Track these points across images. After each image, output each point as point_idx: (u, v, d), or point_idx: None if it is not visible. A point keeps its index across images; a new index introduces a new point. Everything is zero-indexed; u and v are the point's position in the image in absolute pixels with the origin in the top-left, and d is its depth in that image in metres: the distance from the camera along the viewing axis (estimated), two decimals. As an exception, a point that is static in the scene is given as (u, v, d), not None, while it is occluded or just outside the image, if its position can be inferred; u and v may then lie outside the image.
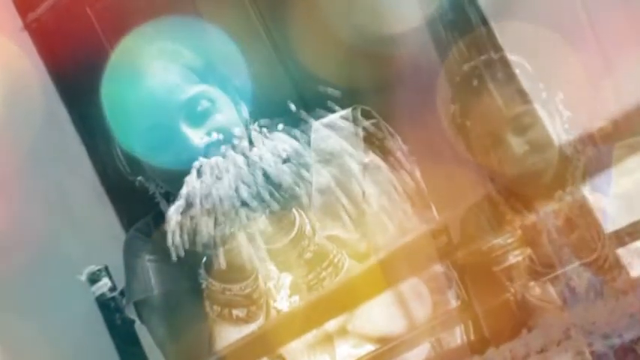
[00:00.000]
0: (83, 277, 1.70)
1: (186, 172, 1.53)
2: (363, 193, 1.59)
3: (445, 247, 1.40)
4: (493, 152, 1.79)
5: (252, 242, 1.50)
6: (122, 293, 1.71)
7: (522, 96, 1.77)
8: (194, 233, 1.46)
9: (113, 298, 1.72)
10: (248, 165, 1.49)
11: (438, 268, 1.56)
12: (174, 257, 1.44)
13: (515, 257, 1.63)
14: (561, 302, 1.60)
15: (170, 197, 1.59)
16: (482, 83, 1.78)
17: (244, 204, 1.46)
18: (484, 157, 1.81)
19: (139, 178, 1.64)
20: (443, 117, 1.84)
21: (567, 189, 1.74)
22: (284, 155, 1.51)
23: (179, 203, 1.48)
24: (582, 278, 1.58)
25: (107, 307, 1.72)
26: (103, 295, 1.71)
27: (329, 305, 1.46)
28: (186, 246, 1.45)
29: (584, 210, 1.64)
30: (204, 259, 1.54)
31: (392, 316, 1.54)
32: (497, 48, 1.80)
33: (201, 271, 1.55)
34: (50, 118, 2.21)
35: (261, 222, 1.50)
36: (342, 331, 1.56)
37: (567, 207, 1.63)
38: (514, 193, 1.82)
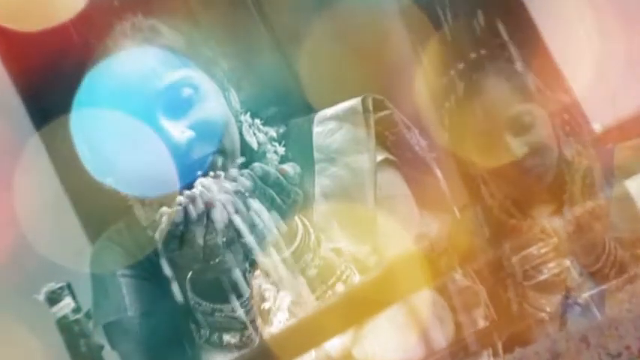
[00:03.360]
0: (41, 297, 1.59)
1: (164, 172, 1.46)
2: (375, 197, 1.51)
3: (428, 254, 1.33)
4: (489, 153, 1.75)
5: (247, 255, 1.44)
6: (88, 315, 1.59)
7: (522, 94, 1.75)
8: (182, 242, 1.41)
9: (77, 320, 1.56)
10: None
11: (464, 282, 1.48)
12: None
13: (550, 270, 1.59)
14: (561, 313, 1.58)
15: (145, 200, 1.53)
16: (479, 80, 1.76)
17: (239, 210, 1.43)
18: (479, 159, 1.77)
19: (109, 179, 1.54)
20: (432, 117, 1.80)
21: (568, 194, 1.73)
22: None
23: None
24: (584, 287, 1.57)
25: (70, 331, 1.57)
26: (64, 317, 1.56)
27: (330, 321, 1.36)
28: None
29: (590, 216, 1.65)
30: (190, 274, 1.47)
31: (405, 338, 1.45)
32: (495, 43, 1.79)
33: (187, 288, 1.48)
34: (2, 110, 2.16)
35: (260, 230, 1.44)
36: (348, 357, 1.47)
37: (574, 212, 1.62)
38: (510, 196, 1.79)
